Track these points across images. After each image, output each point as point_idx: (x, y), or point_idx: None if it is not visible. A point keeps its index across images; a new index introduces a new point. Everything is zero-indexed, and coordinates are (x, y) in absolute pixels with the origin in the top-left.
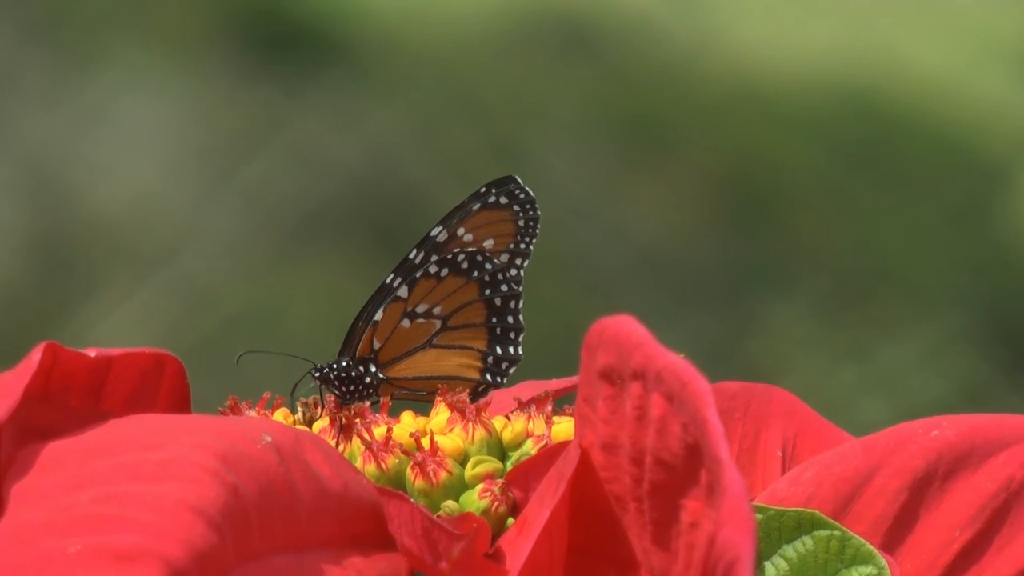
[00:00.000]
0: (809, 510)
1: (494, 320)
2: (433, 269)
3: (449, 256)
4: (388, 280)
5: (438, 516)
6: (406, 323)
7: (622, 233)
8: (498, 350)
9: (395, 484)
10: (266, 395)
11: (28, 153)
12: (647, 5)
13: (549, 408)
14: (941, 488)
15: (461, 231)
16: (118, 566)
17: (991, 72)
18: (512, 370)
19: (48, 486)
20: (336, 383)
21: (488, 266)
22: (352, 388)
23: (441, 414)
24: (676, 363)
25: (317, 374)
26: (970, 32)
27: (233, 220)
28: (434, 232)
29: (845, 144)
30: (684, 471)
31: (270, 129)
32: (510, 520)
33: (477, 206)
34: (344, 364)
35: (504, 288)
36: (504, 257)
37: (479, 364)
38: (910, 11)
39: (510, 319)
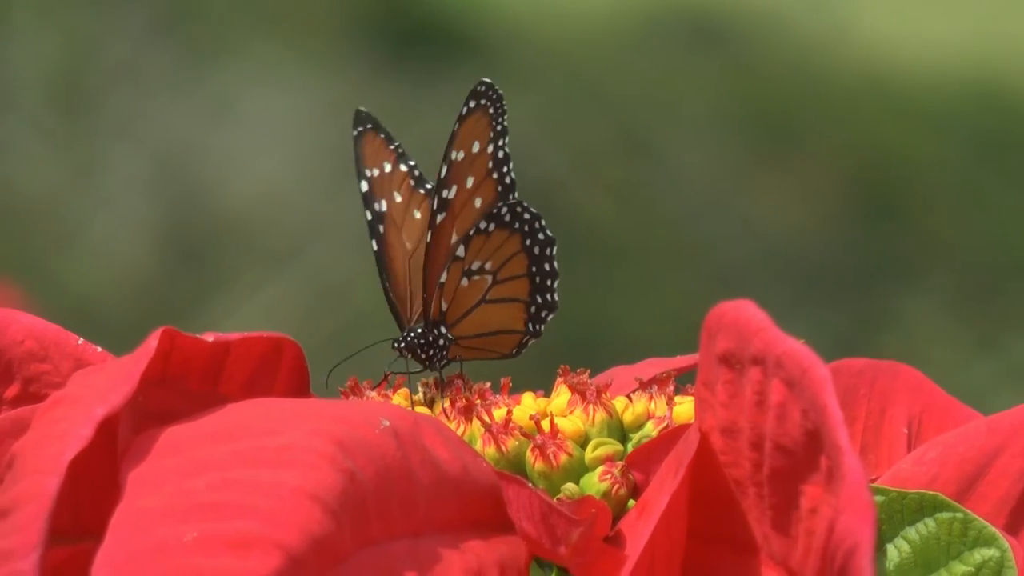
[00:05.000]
0: (931, 492)
1: (534, 269)
2: (483, 225)
3: (494, 210)
4: (428, 239)
5: (557, 500)
6: (464, 282)
7: (751, 226)
8: (538, 299)
9: (515, 466)
10: (387, 375)
11: (159, 147)
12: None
13: (671, 388)
14: None
15: (454, 154)
16: (235, 553)
17: None
18: (550, 318)
19: (165, 472)
20: (417, 350)
21: (527, 216)
22: (432, 352)
23: (561, 396)
24: (796, 349)
25: (402, 344)
26: None
27: (363, 215)
28: (442, 174)
29: (974, 138)
30: (804, 457)
31: (400, 124)
32: (631, 502)
33: (457, 126)
34: (420, 330)
35: (541, 236)
36: (490, 148)
37: (523, 315)
38: None
39: (547, 266)
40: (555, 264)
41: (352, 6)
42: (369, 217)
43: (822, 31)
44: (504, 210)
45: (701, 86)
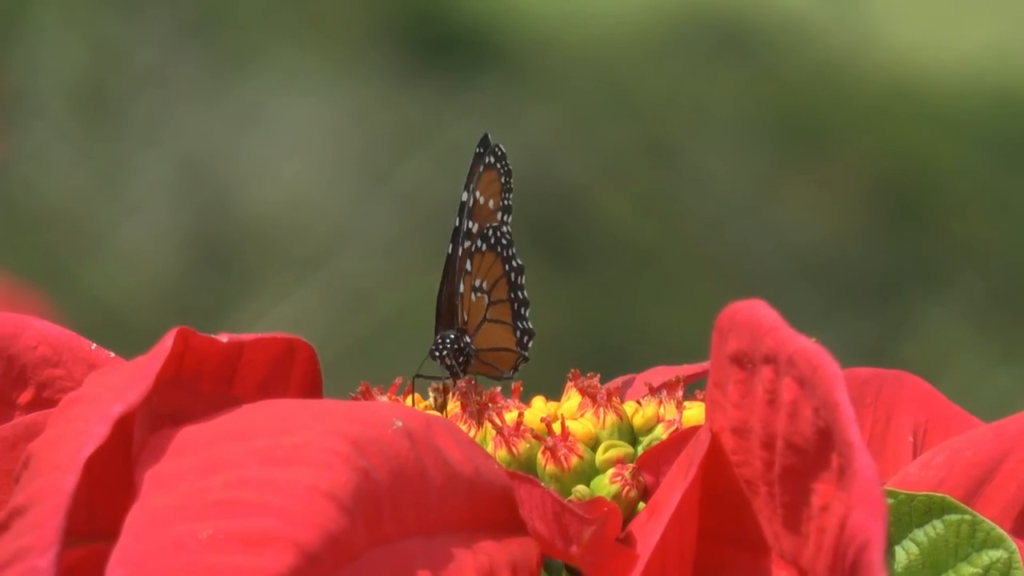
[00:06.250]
0: (939, 494)
1: (512, 296)
2: (479, 243)
3: (485, 230)
4: (449, 251)
5: (569, 501)
6: (474, 297)
7: (777, 234)
8: (519, 324)
9: (526, 469)
10: (397, 380)
11: (185, 154)
12: (802, 6)
13: (680, 393)
14: None
15: (478, 195)
16: (250, 550)
17: None
18: (531, 343)
19: (180, 471)
20: (452, 358)
21: (504, 241)
22: (461, 360)
23: (572, 399)
24: (808, 347)
25: (444, 352)
26: None
27: (389, 222)
28: (464, 198)
29: (1001, 145)
30: (815, 455)
31: (427, 131)
32: (641, 505)
33: (482, 168)
34: (452, 337)
35: (515, 263)
36: (499, 216)
37: (513, 337)
38: None
39: (521, 294)
40: (526, 293)
41: (378, 13)
42: (457, 223)
43: (848, 38)
44: (490, 232)
45: (727, 93)
